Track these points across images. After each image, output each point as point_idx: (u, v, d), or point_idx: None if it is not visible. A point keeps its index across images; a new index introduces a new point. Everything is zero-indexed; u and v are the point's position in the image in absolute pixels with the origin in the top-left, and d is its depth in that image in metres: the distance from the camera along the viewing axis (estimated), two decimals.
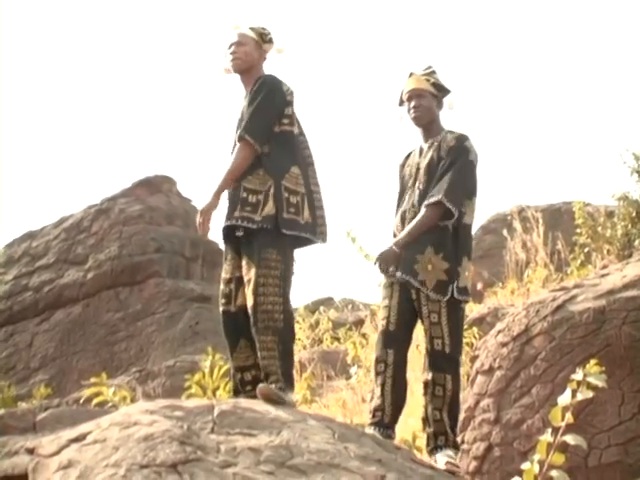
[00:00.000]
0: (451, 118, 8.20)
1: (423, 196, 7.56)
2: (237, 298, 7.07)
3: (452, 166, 7.55)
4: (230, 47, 7.21)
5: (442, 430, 7.45)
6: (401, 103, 7.94)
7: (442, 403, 7.52)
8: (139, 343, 19.17)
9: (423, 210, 7.45)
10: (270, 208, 6.94)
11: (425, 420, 7.65)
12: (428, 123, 7.82)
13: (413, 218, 7.56)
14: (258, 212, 6.93)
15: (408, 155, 8.09)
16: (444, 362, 7.56)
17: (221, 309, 7.12)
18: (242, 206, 6.96)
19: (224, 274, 7.20)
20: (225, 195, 7.11)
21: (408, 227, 7.52)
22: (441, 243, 7.51)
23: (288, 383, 6.91)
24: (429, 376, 7.57)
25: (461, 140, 7.66)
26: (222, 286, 7.16)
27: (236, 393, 7.18)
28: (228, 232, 7.07)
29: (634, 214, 15.71)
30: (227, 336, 7.20)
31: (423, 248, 7.44)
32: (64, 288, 20.83)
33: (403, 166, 8.09)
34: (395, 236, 7.82)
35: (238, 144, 7.06)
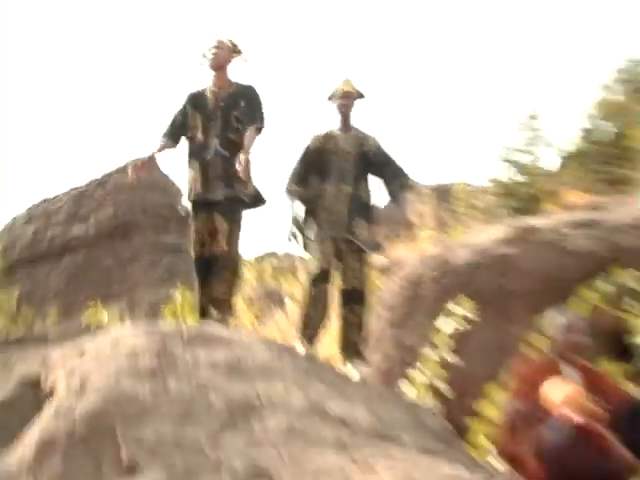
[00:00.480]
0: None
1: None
2: (209, 246, 7.52)
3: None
4: (210, 49, 7.61)
5: (354, 348, 7.80)
6: (330, 98, 8.14)
7: (355, 328, 7.82)
8: (128, 282, 21.63)
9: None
10: (251, 185, 7.63)
11: (341, 340, 7.95)
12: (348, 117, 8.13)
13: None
14: (246, 187, 7.56)
15: (328, 135, 8.16)
16: (357, 296, 7.84)
17: (195, 255, 7.56)
18: (238, 181, 7.43)
19: (198, 228, 7.58)
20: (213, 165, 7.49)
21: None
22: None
23: (232, 310, 7.64)
24: (345, 307, 7.89)
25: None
26: (195, 237, 7.58)
27: (202, 316, 7.59)
28: (205, 197, 7.50)
29: (501, 192, 16.53)
30: (198, 275, 7.62)
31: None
32: (71, 240, 23.72)
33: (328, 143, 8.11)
34: None
35: (253, 131, 7.49)
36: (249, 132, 7.47)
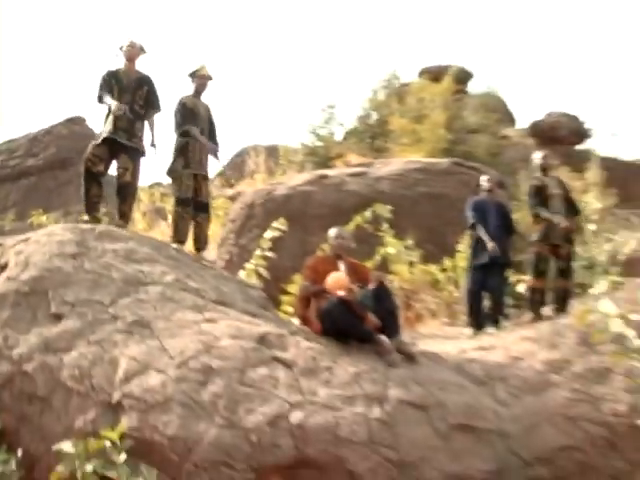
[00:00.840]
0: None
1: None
2: (105, 170, 7.09)
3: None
4: (126, 46, 7.16)
5: (203, 243, 7.45)
6: (192, 75, 7.58)
7: (204, 230, 7.47)
8: (64, 198, 19.64)
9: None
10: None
11: (194, 238, 7.43)
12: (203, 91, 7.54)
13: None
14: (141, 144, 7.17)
15: (186, 103, 7.51)
16: (205, 208, 7.44)
17: (93, 170, 6.94)
18: (138, 138, 7.11)
19: (100, 153, 6.98)
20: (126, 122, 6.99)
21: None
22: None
23: (130, 220, 7.41)
24: (198, 216, 7.40)
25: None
26: (95, 160, 6.97)
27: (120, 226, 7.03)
28: (113, 138, 6.95)
29: (308, 152, 16.57)
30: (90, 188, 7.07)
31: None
32: (27, 168, 22.37)
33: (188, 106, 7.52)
34: None
35: (153, 117, 7.32)
36: (152, 119, 7.28)
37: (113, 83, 7.10)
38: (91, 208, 6.99)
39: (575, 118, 21.60)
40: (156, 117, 7.37)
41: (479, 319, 6.86)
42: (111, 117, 7.00)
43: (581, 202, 11.85)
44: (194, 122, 7.35)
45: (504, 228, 7.21)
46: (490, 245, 6.92)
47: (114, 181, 7.18)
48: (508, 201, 9.97)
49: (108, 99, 7.05)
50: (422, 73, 20.57)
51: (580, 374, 4.84)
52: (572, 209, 7.16)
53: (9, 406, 4.32)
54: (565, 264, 6.95)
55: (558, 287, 7.00)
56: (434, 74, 19.15)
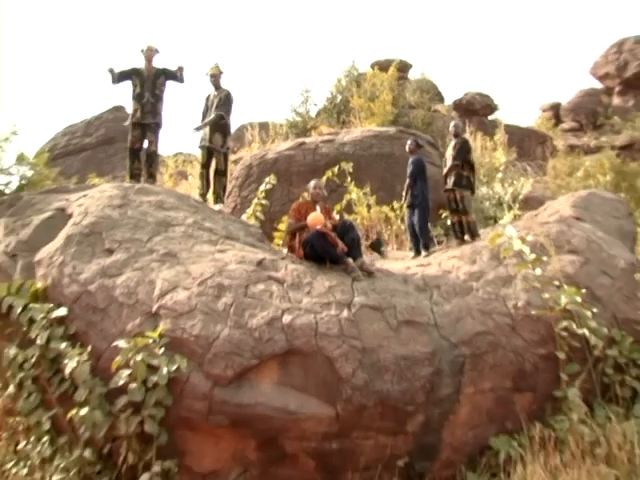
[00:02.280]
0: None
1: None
2: (141, 146, 6.92)
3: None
4: (146, 49, 6.98)
5: (219, 196, 7.10)
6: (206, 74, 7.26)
7: (220, 186, 7.09)
8: (112, 165, 18.98)
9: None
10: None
11: (213, 192, 7.15)
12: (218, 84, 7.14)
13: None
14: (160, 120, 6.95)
15: (208, 96, 7.25)
16: (221, 172, 7.05)
17: (134, 147, 6.84)
18: (159, 116, 6.90)
19: (137, 136, 6.85)
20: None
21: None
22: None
23: (156, 179, 7.13)
24: (215, 176, 7.07)
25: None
26: (134, 140, 6.82)
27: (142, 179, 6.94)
28: (141, 122, 6.81)
29: (291, 125, 16.22)
30: (134, 158, 6.95)
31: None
32: (84, 145, 21.37)
33: (207, 99, 7.26)
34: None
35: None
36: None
37: (133, 75, 6.88)
38: (134, 177, 6.88)
39: (486, 96, 21.54)
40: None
41: (418, 246, 6.83)
42: (138, 106, 6.84)
43: (492, 157, 11.97)
44: (209, 110, 7.06)
45: (419, 178, 6.76)
46: (404, 193, 6.76)
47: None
48: (438, 157, 9.99)
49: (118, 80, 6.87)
50: (373, 65, 20.21)
51: (491, 280, 4.90)
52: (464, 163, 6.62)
53: (79, 315, 4.31)
54: (460, 204, 6.48)
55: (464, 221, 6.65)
56: (382, 65, 18.97)
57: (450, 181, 6.60)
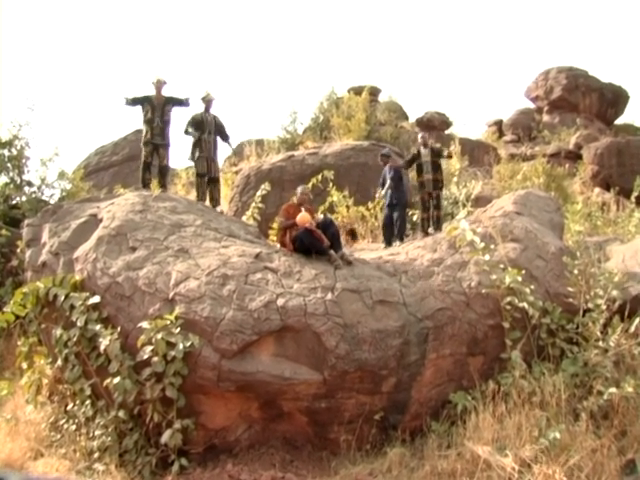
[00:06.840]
0: None
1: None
2: (153, 161, 6.76)
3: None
4: (156, 80, 6.74)
5: (217, 200, 6.80)
6: (202, 99, 6.89)
7: (218, 191, 6.87)
8: (135, 180, 17.47)
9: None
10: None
11: (211, 198, 6.80)
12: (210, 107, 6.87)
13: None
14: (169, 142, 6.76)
15: (200, 115, 6.77)
16: (215, 180, 6.80)
17: (147, 161, 6.68)
18: (168, 138, 6.72)
19: (147, 153, 6.66)
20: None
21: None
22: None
23: (167, 188, 6.99)
24: (210, 184, 6.78)
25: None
26: (147, 155, 6.66)
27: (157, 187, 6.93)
28: (152, 141, 6.64)
29: (280, 141, 16.07)
30: (147, 172, 6.77)
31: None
32: (113, 162, 19.82)
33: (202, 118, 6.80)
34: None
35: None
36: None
37: (145, 102, 6.66)
38: (145, 185, 6.74)
39: (443, 114, 21.50)
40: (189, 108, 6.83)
41: (390, 239, 6.84)
42: (149, 129, 6.67)
43: (448, 165, 11.93)
44: (202, 129, 6.73)
45: (399, 182, 6.83)
46: (383, 193, 6.75)
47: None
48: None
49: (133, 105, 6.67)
50: (349, 89, 20.10)
51: (450, 266, 4.93)
52: (437, 169, 6.71)
53: (110, 302, 4.34)
54: (436, 202, 6.63)
55: (434, 216, 6.82)
56: (357, 90, 18.86)
57: (429, 185, 6.59)
